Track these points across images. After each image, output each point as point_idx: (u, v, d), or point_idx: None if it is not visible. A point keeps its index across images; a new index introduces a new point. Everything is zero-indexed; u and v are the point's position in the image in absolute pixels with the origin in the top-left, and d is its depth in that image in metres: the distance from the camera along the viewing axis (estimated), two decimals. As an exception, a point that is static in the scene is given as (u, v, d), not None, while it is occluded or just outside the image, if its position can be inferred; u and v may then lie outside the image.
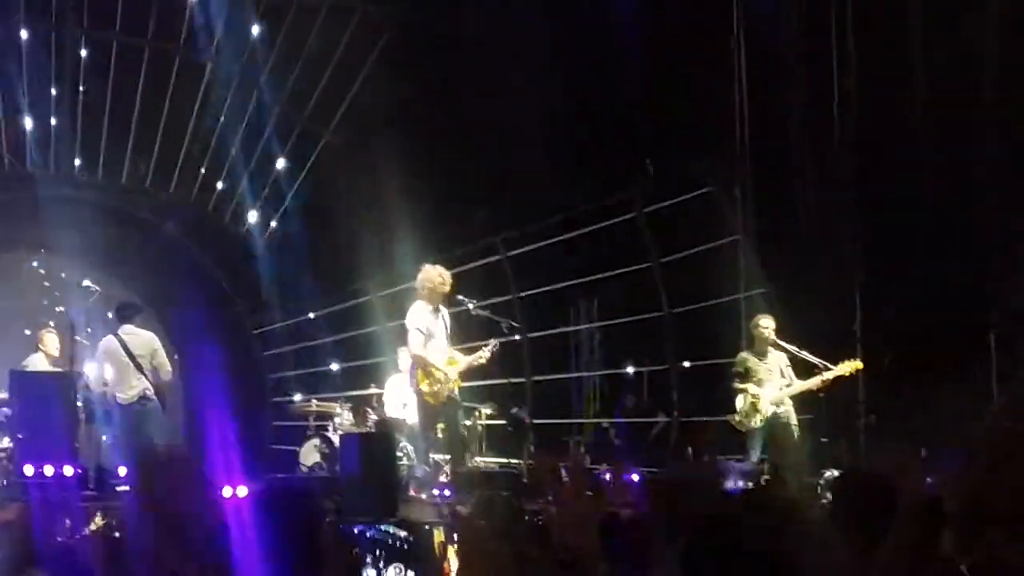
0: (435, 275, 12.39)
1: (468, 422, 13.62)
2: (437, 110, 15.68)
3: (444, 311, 12.47)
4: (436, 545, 7.99)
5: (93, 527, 8.45)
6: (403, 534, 7.87)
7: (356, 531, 7.85)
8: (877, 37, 14.23)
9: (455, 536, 6.85)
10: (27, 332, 15.05)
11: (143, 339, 12.87)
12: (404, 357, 13.98)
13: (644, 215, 15.28)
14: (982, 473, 2.66)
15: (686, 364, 15.30)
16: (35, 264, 16.84)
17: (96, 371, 12.80)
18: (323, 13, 15.91)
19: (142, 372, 12.61)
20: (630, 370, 16.54)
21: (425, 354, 12.27)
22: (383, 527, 7.82)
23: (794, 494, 6.61)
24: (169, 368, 12.95)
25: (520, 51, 15.74)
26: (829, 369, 12.53)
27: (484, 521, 5.37)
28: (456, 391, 12.45)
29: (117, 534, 8.37)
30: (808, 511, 4.99)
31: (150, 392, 12.63)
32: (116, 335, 12.73)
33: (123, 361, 12.61)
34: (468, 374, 12.80)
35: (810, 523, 3.31)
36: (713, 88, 15.48)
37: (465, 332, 13.43)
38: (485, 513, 5.16)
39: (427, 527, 8.38)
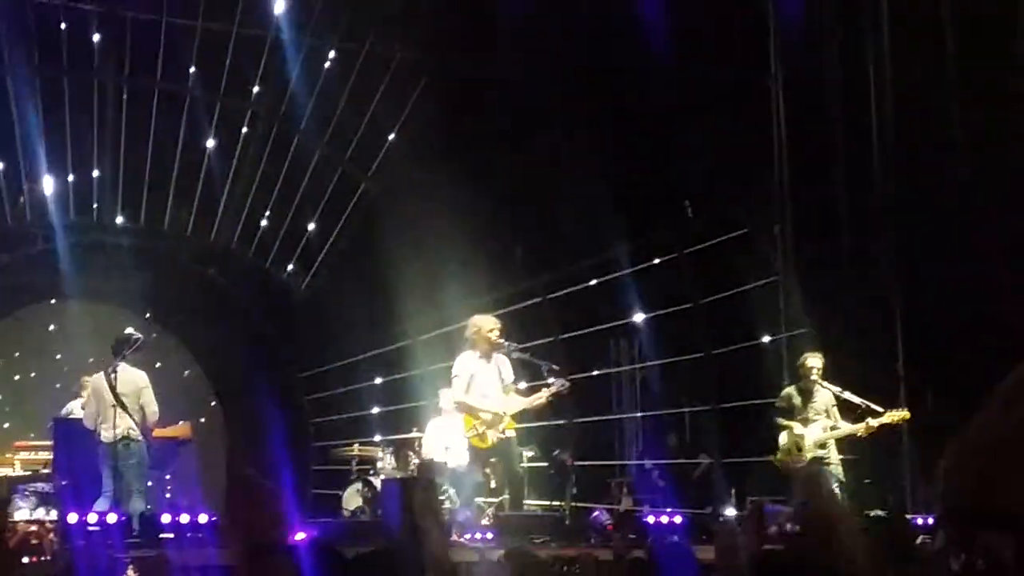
0: (483, 323, 12.43)
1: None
2: (475, 154, 15.73)
3: (500, 358, 12.48)
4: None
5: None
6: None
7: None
8: (915, 73, 14.21)
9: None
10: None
11: (130, 377, 12.39)
12: (446, 398, 14.00)
13: (685, 256, 15.27)
14: (979, 469, 2.62)
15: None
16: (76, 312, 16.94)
17: (88, 408, 12.56)
18: (361, 59, 16.02)
19: (126, 411, 12.15)
20: (671, 411, 16.48)
21: (466, 399, 12.30)
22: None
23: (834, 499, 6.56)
24: (155, 409, 12.42)
25: (558, 94, 15.80)
26: (873, 410, 12.42)
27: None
28: (509, 433, 12.43)
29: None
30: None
31: (134, 432, 12.16)
32: (105, 372, 12.37)
33: (106, 399, 12.18)
34: (530, 414, 12.82)
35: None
36: (751, 128, 15.49)
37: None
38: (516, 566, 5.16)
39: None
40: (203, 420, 16.06)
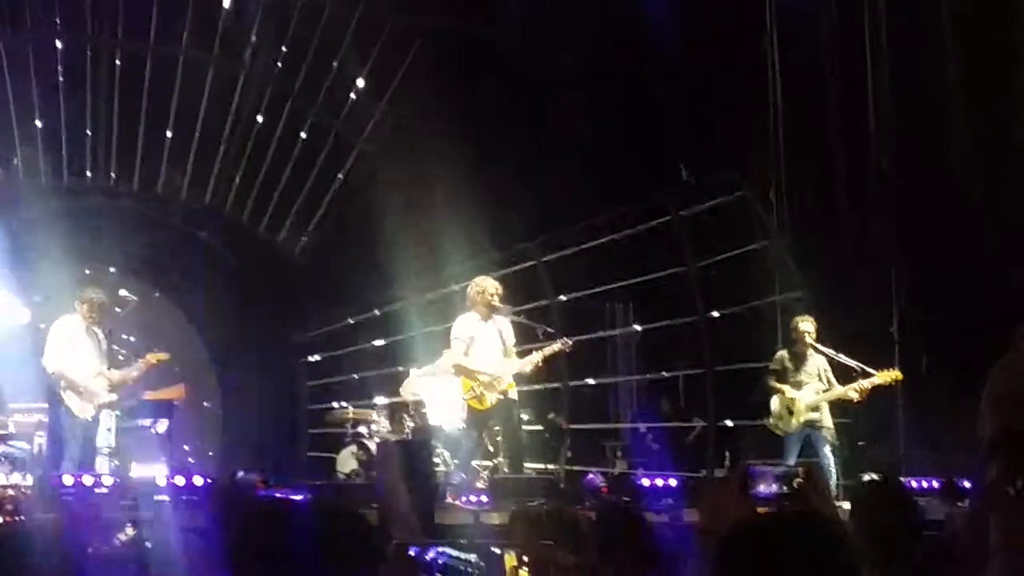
0: (484, 285, 12.44)
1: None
2: (471, 117, 15.69)
3: (501, 320, 12.48)
4: (509, 570, 7.96)
5: (123, 537, 8.47)
6: (474, 559, 7.83)
7: (429, 557, 7.82)
8: (913, 37, 14.18)
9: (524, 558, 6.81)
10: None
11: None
12: (445, 362, 14.02)
13: (680, 219, 15.25)
14: None
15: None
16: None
17: None
18: (355, 22, 15.95)
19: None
20: (666, 374, 16.51)
21: (465, 362, 12.31)
22: (454, 552, 7.79)
23: (827, 499, 6.55)
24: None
25: (554, 57, 15.76)
26: (867, 373, 12.43)
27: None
28: (511, 393, 12.43)
29: (148, 544, 8.44)
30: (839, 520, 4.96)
31: None
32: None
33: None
34: (526, 378, 12.82)
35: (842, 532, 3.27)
36: (748, 91, 15.46)
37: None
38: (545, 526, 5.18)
39: (499, 551, 8.35)
40: (196, 382, 16.03)
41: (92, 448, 12.16)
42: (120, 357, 12.86)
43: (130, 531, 8.60)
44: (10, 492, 11.19)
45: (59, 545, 4.23)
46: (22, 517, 9.70)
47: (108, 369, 12.25)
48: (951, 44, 13.71)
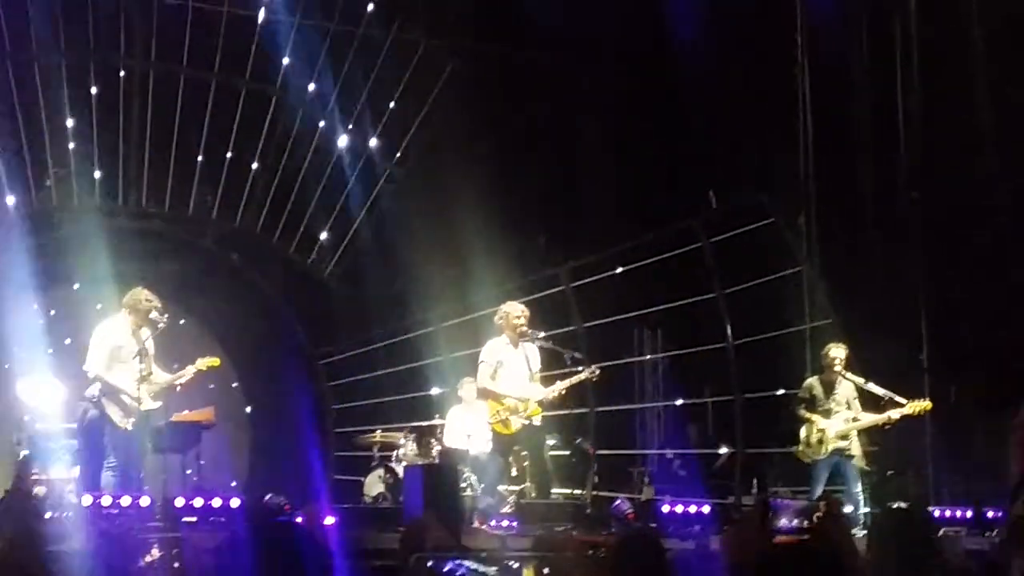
0: (511, 310, 12.46)
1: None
2: (500, 141, 15.73)
3: (529, 346, 12.49)
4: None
5: (149, 558, 8.49)
6: (494, 572, 7.82)
7: (446, 568, 7.81)
8: (943, 66, 14.15)
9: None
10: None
11: None
12: (468, 388, 14.02)
13: (708, 245, 15.22)
14: None
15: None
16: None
17: None
18: (387, 45, 16.02)
19: None
20: (694, 401, 16.45)
21: (492, 386, 12.31)
22: (472, 565, 7.78)
23: (846, 533, 6.54)
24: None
25: (583, 83, 15.78)
26: (896, 402, 12.35)
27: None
28: (536, 419, 12.43)
29: (176, 564, 8.46)
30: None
31: None
32: None
33: None
34: (553, 403, 12.81)
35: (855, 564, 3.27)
36: (778, 118, 15.45)
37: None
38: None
39: (516, 564, 8.33)
40: (225, 405, 16.05)
41: (136, 459, 11.79)
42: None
43: (156, 552, 8.62)
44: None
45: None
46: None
47: (152, 375, 11.79)
48: (982, 71, 13.68)
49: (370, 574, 8.33)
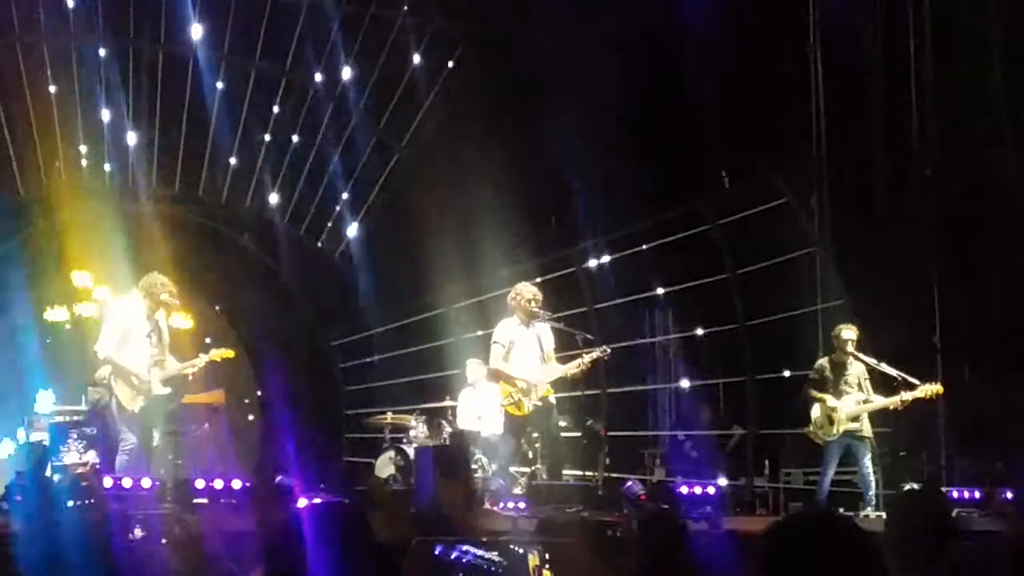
0: (523, 291, 12.43)
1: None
2: (510, 123, 15.68)
3: (542, 326, 12.46)
4: (532, 569, 7.94)
5: (168, 539, 8.51)
6: (498, 558, 7.83)
7: (453, 556, 7.81)
8: (956, 43, 14.08)
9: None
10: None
11: None
12: (473, 370, 14.02)
13: (720, 226, 15.18)
14: None
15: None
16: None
17: None
18: (396, 28, 15.98)
19: None
20: (706, 382, 16.42)
21: (503, 367, 12.29)
22: (478, 551, 7.78)
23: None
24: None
25: (593, 63, 15.71)
26: (909, 384, 12.29)
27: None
28: (549, 399, 12.41)
29: (195, 545, 8.47)
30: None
31: None
32: None
33: None
34: (564, 384, 12.79)
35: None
36: (790, 98, 15.39)
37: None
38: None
39: (522, 551, 8.34)
40: (236, 388, 16.07)
41: (148, 441, 11.63)
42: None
43: (177, 531, 8.63)
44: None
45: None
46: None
47: (165, 360, 11.69)
48: (996, 51, 13.61)
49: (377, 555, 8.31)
